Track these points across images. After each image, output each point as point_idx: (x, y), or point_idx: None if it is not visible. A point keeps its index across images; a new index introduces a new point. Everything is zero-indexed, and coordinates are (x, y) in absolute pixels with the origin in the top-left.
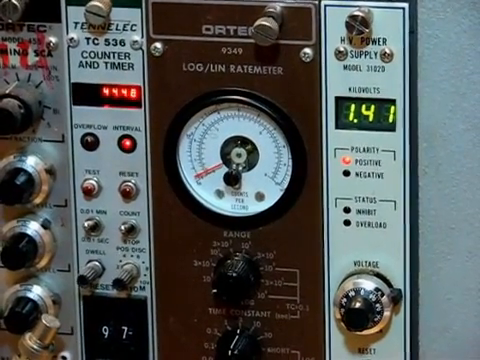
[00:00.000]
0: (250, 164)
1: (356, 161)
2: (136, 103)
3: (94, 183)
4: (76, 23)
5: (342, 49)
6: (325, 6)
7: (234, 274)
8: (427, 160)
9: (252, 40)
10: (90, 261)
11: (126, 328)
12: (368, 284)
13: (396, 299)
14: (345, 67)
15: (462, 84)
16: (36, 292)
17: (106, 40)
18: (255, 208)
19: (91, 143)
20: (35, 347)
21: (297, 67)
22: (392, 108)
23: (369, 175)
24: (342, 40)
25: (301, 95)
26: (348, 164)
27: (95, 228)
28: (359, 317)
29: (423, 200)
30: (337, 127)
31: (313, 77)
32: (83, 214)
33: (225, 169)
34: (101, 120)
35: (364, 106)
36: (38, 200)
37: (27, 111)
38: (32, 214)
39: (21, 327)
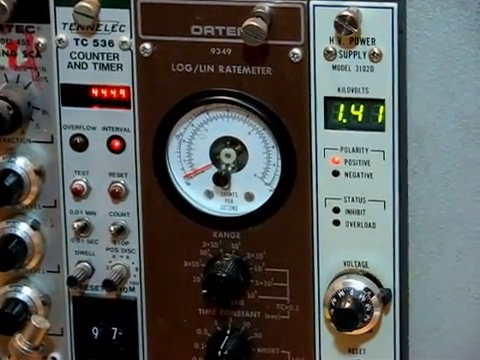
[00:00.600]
0: (239, 164)
1: (345, 161)
2: (125, 104)
3: (83, 184)
4: (65, 24)
5: (331, 49)
6: (314, 6)
7: (224, 274)
8: (416, 160)
9: (241, 40)
10: (80, 262)
11: (116, 329)
12: (358, 284)
13: (386, 299)
14: (334, 67)
15: (451, 84)
16: (26, 293)
17: (95, 41)
18: (244, 208)
19: (80, 144)
20: (25, 348)
21: (286, 67)
22: (381, 108)
23: (358, 175)
24: (331, 40)
25: (290, 95)
26: (337, 164)
27: (84, 229)
28: (349, 317)
29: (412, 200)
30: (326, 127)
31: (302, 77)
32: (72, 215)
33: (214, 169)
34: (90, 121)
35: (353, 106)
36: (27, 201)
37: (16, 112)
38: (21, 215)
39: (11, 328)
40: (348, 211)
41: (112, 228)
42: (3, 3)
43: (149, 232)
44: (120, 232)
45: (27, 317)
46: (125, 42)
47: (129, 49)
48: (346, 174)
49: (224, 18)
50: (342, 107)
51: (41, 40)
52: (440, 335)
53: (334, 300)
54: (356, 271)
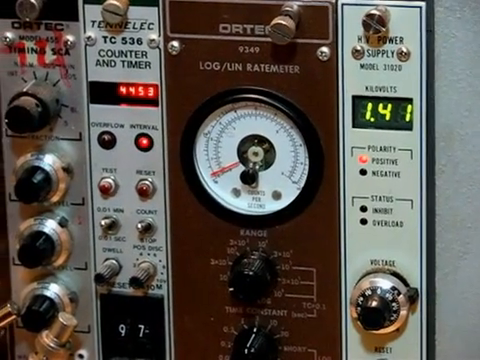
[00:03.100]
0: (267, 163)
1: (373, 160)
2: (153, 102)
3: (111, 181)
4: (93, 22)
5: (359, 48)
6: (342, 5)
7: (251, 273)
8: (444, 159)
9: (269, 39)
10: (107, 259)
11: (143, 326)
12: (385, 283)
13: (413, 298)
14: (362, 66)
15: (479, 83)
16: (53, 290)
17: (123, 39)
18: (272, 207)
19: (108, 141)
20: (52, 345)
21: (314, 66)
22: (409, 107)
23: (386, 174)
24: (359, 39)
25: (318, 94)
26: (365, 163)
27: (112, 226)
28: (376, 316)
29: (440, 199)
30: (354, 126)
31: (330, 76)
32: (100, 212)
33: (242, 168)
34: (118, 118)
35: (381, 105)
36: (55, 198)
37: (44, 109)
38: (49, 212)
39: (38, 325)
40: (375, 210)
41: (139, 226)
42: (32, 1)
43: (176, 230)
44: (147, 230)
45: (54, 314)
46: (153, 40)
47: (157, 47)
48: (373, 173)
49: (252, 16)
50: (370, 106)
51: (70, 38)
52: (466, 334)
53: (361, 299)
54: (383, 270)
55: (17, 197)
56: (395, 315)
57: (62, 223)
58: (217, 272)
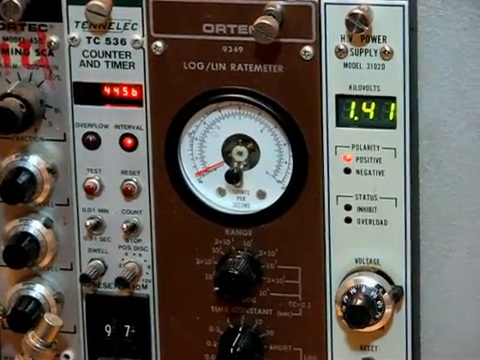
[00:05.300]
0: (251, 162)
1: (357, 158)
2: (137, 102)
3: (96, 182)
4: (77, 22)
5: (342, 47)
6: (325, 4)
7: (236, 272)
8: (428, 157)
9: (252, 38)
10: (92, 260)
11: (129, 326)
12: (369, 281)
13: (397, 296)
14: (345, 65)
15: (462, 81)
16: (39, 291)
17: (107, 39)
18: (256, 206)
19: (93, 142)
20: (38, 346)
21: (297, 65)
22: (392, 105)
23: (370, 172)
24: (342, 38)
25: (302, 93)
26: (349, 162)
27: (97, 227)
28: (360, 314)
29: (424, 197)
30: (338, 125)
31: (313, 75)
32: (85, 213)
33: (226, 167)
34: (102, 119)
35: (365, 104)
36: (40, 199)
37: (29, 110)
38: (34, 213)
39: (24, 326)
40: (360, 208)
41: (124, 226)
42: (16, 2)
43: (161, 230)
44: (132, 230)
45: (40, 315)
46: (137, 40)
47: (141, 47)
48: (358, 171)
49: (236, 16)
50: (353, 105)
51: (54, 38)
52: (452, 332)
53: (346, 297)
54: (368, 268)
55: (2, 198)
56: (380, 313)
57: (47, 224)
58: (202, 271)
